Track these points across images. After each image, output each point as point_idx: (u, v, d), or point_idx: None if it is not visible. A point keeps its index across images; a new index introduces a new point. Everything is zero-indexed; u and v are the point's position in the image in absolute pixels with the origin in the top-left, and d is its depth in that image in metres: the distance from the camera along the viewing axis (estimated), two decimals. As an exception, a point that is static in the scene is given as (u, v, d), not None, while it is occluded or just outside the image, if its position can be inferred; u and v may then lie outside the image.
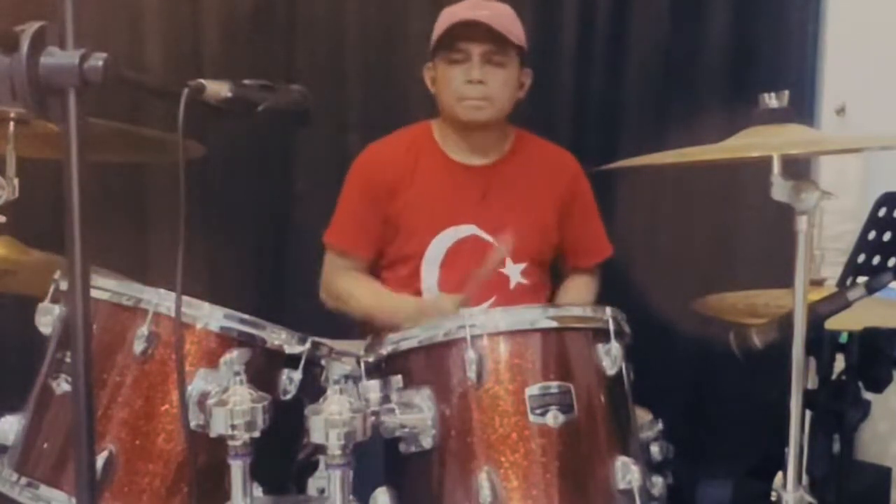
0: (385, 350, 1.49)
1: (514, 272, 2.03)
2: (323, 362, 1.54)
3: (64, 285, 1.48)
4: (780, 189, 1.29)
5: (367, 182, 2.07)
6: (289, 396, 1.45)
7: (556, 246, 2.12)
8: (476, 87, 1.93)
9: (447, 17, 1.97)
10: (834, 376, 1.64)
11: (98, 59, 0.92)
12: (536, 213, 2.06)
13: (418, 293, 2.02)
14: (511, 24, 1.97)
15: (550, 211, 2.08)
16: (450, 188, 2.03)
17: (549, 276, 2.14)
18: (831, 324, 1.49)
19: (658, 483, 1.52)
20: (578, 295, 2.13)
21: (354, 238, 2.08)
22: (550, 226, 2.09)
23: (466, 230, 2.02)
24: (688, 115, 2.45)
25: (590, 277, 2.19)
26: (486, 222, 2.01)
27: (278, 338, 1.46)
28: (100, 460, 1.34)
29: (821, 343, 1.57)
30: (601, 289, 2.20)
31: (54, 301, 1.50)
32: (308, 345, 1.48)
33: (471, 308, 1.81)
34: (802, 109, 2.51)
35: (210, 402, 1.28)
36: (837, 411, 1.62)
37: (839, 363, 1.66)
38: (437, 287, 2.02)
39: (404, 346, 1.47)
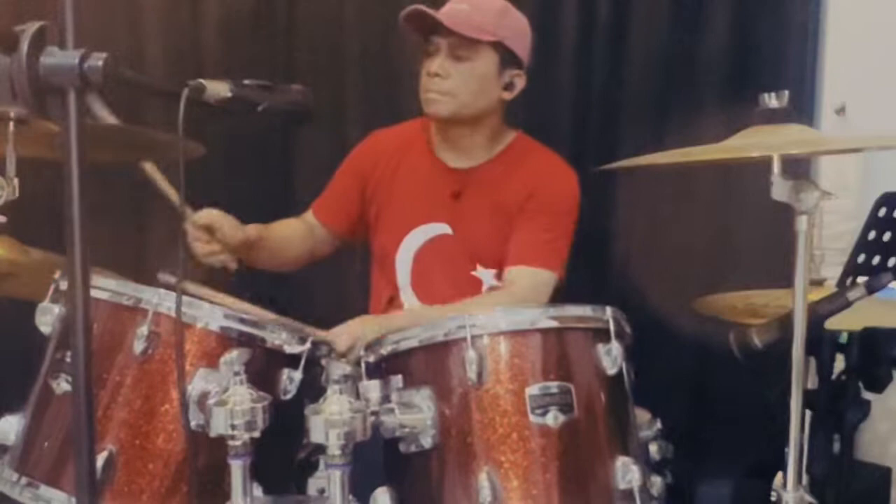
0: (385, 350, 1.49)
1: (487, 276, 2.00)
2: (323, 362, 1.54)
3: (64, 285, 1.48)
4: (780, 189, 1.29)
5: (354, 165, 2.11)
6: (289, 396, 1.45)
7: None
8: (436, 81, 1.90)
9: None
10: (834, 376, 1.64)
11: (98, 59, 0.92)
12: (506, 218, 1.98)
13: (396, 290, 2.03)
14: (488, 20, 1.88)
15: (515, 214, 1.99)
16: (427, 186, 2.02)
17: None
18: (831, 324, 1.49)
19: (657, 483, 1.52)
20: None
21: (326, 208, 2.12)
22: None
23: (438, 229, 2.00)
24: (688, 115, 2.45)
25: (504, 287, 1.95)
26: (458, 224, 2.00)
27: (278, 338, 1.46)
28: (100, 460, 1.34)
29: (821, 343, 1.57)
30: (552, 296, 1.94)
31: (54, 301, 1.50)
32: (308, 345, 1.48)
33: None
34: (802, 109, 2.51)
35: (210, 402, 1.28)
36: (837, 411, 1.62)
37: (839, 363, 1.66)
38: (409, 285, 2.01)
39: (404, 345, 1.47)
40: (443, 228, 2.01)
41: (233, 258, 1.82)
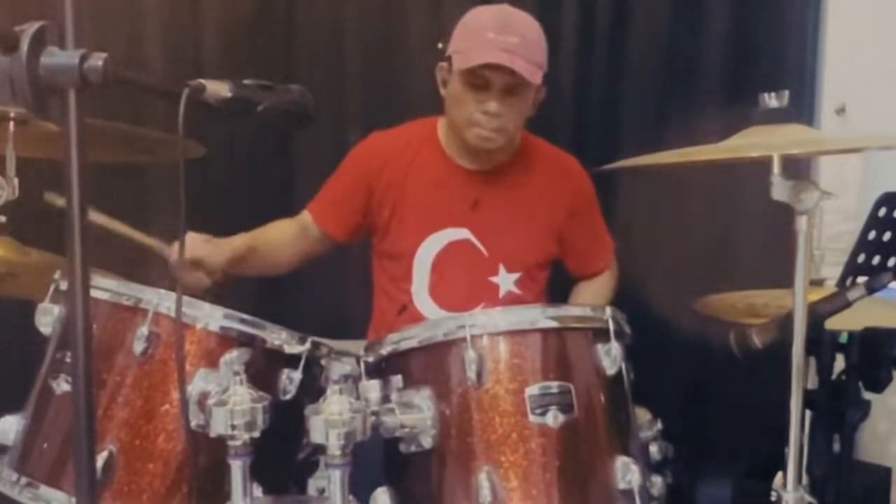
0: (385, 350, 1.49)
1: (507, 281, 2.00)
2: (323, 362, 1.54)
3: (64, 285, 1.48)
4: (780, 189, 1.29)
5: (358, 168, 2.06)
6: (289, 396, 1.45)
7: (553, 256, 2.07)
8: (492, 120, 1.86)
9: (472, 34, 1.87)
10: (834, 376, 1.64)
11: (98, 59, 0.92)
12: (532, 222, 2.01)
13: (409, 293, 2.01)
14: (538, 52, 1.87)
15: (547, 222, 2.03)
16: (444, 190, 2.01)
17: (547, 287, 2.08)
18: (831, 324, 1.49)
19: (657, 483, 1.52)
20: (593, 296, 2.09)
21: (327, 212, 2.07)
22: (547, 236, 2.04)
23: (458, 234, 1.99)
24: (688, 115, 2.45)
25: (601, 278, 2.15)
26: (479, 228, 1.98)
27: (278, 338, 1.46)
28: (100, 460, 1.34)
29: (821, 343, 1.56)
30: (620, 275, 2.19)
31: (54, 301, 1.50)
32: (308, 345, 1.48)
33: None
34: (802, 109, 2.52)
35: (210, 402, 1.28)
36: (837, 411, 1.62)
37: (839, 363, 1.66)
38: (427, 290, 1.99)
39: (404, 346, 1.47)
40: (461, 233, 1.99)
41: (219, 281, 1.79)
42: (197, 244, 1.74)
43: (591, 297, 2.09)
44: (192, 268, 1.73)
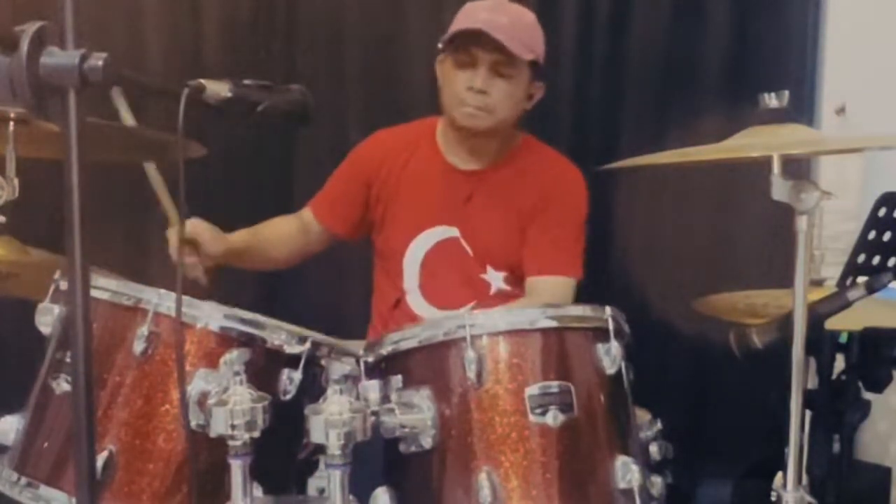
0: (385, 350, 1.48)
1: (496, 278, 2.01)
2: (323, 362, 1.54)
3: (64, 285, 1.48)
4: (780, 189, 1.29)
5: (356, 166, 2.10)
6: (289, 396, 1.44)
7: None
8: (477, 96, 1.88)
9: (465, 15, 1.91)
10: (834, 376, 1.64)
11: (98, 59, 0.92)
12: (517, 223, 2.01)
13: (402, 290, 2.03)
14: (528, 36, 1.90)
15: (528, 222, 2.00)
16: (436, 189, 2.02)
17: None
18: (831, 324, 1.49)
19: (657, 483, 1.52)
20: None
21: (327, 208, 2.10)
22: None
23: (447, 232, 2.00)
24: (688, 115, 2.45)
25: (527, 297, 1.96)
26: (467, 227, 2.00)
27: (278, 338, 1.46)
28: (100, 460, 1.33)
29: (821, 343, 1.57)
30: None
31: (54, 301, 1.50)
32: (308, 345, 1.47)
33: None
34: (802, 109, 2.52)
35: (210, 402, 1.28)
36: (837, 411, 1.62)
37: (839, 363, 1.66)
38: (417, 287, 2.01)
39: (404, 345, 1.47)
40: (451, 231, 2.01)
41: (205, 275, 1.83)
42: (199, 228, 1.80)
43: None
44: (190, 250, 1.78)
